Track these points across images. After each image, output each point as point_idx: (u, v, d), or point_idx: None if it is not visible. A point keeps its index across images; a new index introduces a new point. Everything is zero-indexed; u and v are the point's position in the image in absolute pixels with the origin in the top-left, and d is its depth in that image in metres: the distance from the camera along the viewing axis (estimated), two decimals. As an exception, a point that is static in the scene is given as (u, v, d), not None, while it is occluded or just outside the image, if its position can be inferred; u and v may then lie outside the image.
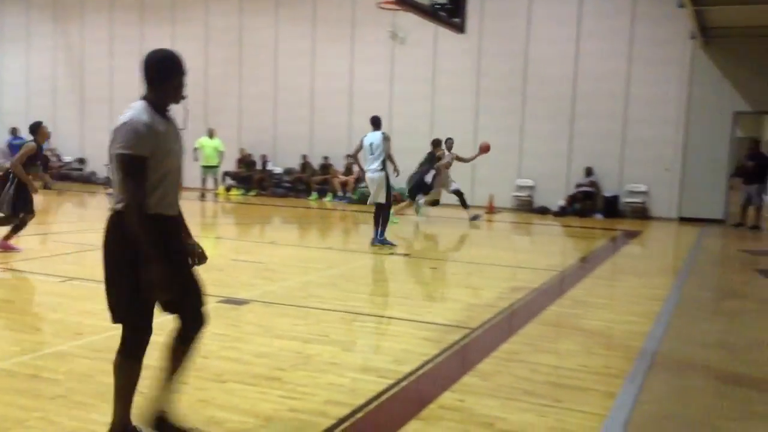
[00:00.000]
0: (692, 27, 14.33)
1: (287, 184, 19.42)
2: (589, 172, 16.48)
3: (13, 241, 8.82)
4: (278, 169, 19.71)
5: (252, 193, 19.19)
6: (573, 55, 16.38)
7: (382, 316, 6.36)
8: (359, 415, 3.80)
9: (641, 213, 15.89)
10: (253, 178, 19.44)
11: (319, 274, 8.19)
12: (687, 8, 12.53)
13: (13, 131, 19.50)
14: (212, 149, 17.61)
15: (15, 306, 6.34)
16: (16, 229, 8.76)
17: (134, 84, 20.30)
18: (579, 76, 16.35)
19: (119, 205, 3.13)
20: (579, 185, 16.48)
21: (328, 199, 18.41)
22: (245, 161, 19.87)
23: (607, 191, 16.32)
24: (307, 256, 9.90)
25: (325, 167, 19.01)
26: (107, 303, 3.28)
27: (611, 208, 16.12)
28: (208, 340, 5.17)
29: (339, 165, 18.87)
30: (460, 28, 10.81)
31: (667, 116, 15.69)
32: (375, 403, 3.99)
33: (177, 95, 3.34)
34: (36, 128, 8.74)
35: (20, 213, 8.62)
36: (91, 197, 18.94)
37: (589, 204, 16.42)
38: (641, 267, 10.19)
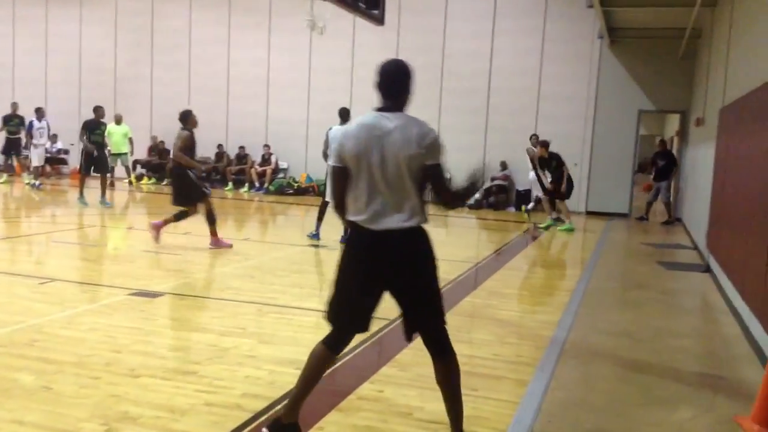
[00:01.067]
0: (600, 27, 14.88)
1: (202, 174, 18.96)
2: (503, 165, 16.90)
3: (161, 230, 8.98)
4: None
5: (165, 182, 18.66)
6: (488, 52, 16.74)
7: (301, 308, 6.33)
8: (277, 407, 3.78)
9: (552, 207, 16.41)
10: (165, 167, 18.90)
11: (236, 265, 8.07)
12: (595, 8, 13.00)
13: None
14: (120, 136, 16.94)
15: None
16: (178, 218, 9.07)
17: (37, 67, 19.48)
18: (494, 72, 16.72)
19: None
20: (494, 179, 16.87)
21: (244, 190, 18.14)
22: (157, 149, 19.30)
23: (520, 185, 16.78)
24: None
25: (242, 157, 18.71)
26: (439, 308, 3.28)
27: (524, 201, 16.58)
28: (120, 334, 5.04)
29: (256, 155, 18.62)
30: (379, 20, 10.85)
31: (577, 113, 16.26)
32: (293, 396, 3.97)
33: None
34: (187, 116, 9.21)
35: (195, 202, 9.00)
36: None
37: (503, 197, 16.85)
38: (552, 259, 10.56)
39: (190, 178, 8.96)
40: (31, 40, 20.85)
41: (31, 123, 16.43)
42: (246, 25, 18.73)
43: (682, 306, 7.34)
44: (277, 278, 7.68)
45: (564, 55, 16.40)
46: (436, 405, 3.88)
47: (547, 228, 12.97)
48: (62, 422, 3.45)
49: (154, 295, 6.32)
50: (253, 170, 18.36)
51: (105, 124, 14.14)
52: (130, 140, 17.18)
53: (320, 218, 9.91)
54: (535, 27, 16.51)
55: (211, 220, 9.05)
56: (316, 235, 9.95)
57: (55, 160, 20.18)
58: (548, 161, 12.91)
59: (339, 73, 17.96)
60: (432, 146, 3.12)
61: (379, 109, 3.21)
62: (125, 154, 17.17)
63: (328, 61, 18.06)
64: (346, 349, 4.87)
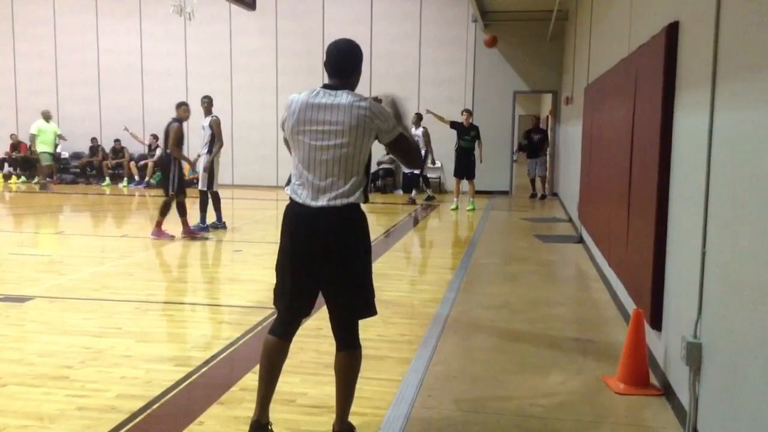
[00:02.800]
0: (473, 10, 15.28)
1: (76, 170, 18.06)
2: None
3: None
4: (65, 154, 18.25)
5: (35, 180, 17.61)
6: (368, 36, 16.82)
7: (182, 303, 6.16)
8: (155, 406, 3.68)
9: (437, 188, 16.78)
10: (35, 164, 17.83)
11: (113, 263, 7.75)
12: (468, -8, 13.36)
13: None
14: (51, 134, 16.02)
15: None
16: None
17: None
18: (373, 57, 16.82)
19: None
20: (380, 163, 17.02)
21: (123, 185, 17.41)
22: (24, 146, 18.17)
23: (406, 168, 17.00)
24: (100, 245, 9.33)
25: (118, 150, 17.91)
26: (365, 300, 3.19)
27: (410, 184, 16.84)
28: (-18, 343, 4.72)
29: (134, 148, 17.88)
30: (250, 6, 10.64)
31: (456, 96, 16.65)
32: (171, 393, 3.88)
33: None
34: (177, 107, 9.44)
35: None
36: None
37: (390, 181, 17.05)
38: (437, 239, 10.81)
39: (176, 171, 9.17)
40: None
41: None
42: (115, 11, 17.89)
43: (557, 276, 7.71)
44: (158, 274, 7.44)
45: (441, 38, 16.74)
46: (318, 389, 3.90)
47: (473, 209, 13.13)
48: None
49: (22, 299, 5.96)
50: (131, 164, 17.63)
51: None
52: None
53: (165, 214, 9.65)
54: (412, 11, 16.74)
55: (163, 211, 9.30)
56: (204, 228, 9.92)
57: None
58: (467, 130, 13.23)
59: (217, 59, 17.52)
60: (382, 123, 3.08)
61: (326, 86, 3.14)
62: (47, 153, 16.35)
63: (205, 48, 17.58)
64: (229, 341, 4.83)
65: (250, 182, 17.25)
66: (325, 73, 3.26)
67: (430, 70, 16.81)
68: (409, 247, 9.64)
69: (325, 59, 3.21)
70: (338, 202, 3.03)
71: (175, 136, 9.09)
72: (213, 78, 17.46)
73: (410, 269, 8.10)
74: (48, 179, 16.62)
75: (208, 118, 9.75)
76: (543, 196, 15.62)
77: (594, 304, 6.21)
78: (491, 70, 16.43)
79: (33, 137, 16.19)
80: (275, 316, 3.33)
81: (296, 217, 3.09)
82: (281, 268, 3.19)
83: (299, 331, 3.38)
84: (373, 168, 16.92)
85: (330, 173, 3.03)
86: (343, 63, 3.18)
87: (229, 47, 17.50)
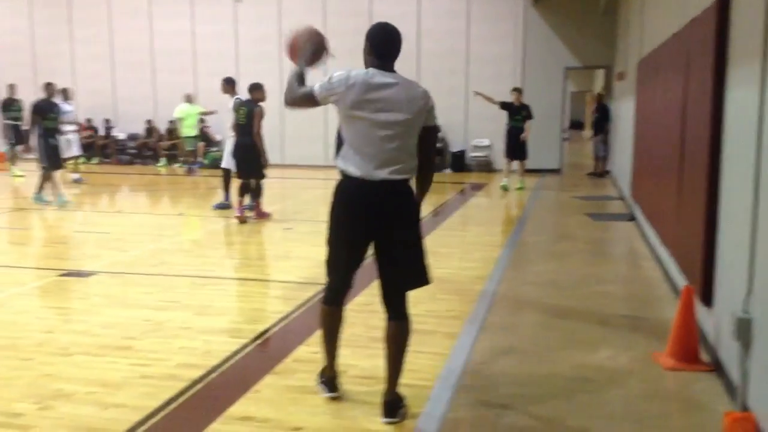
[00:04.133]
0: (524, -15, 15.06)
1: (133, 151, 18.55)
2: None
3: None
4: (122, 135, 18.76)
5: (94, 161, 18.17)
6: (415, 14, 16.74)
7: (236, 278, 6.36)
8: (213, 375, 3.85)
9: (486, 166, 16.70)
10: (95, 145, 18.39)
11: (170, 240, 8.01)
12: (519, -32, 13.17)
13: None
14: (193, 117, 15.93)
15: None
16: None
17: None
18: (422, 35, 16.76)
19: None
20: (427, 141, 17.00)
21: (178, 165, 17.82)
22: (83, 127, 18.71)
23: (455, 146, 16.99)
24: (158, 223, 9.63)
25: (173, 131, 18.32)
26: (423, 268, 3.32)
27: (459, 162, 16.84)
28: (52, 314, 5.00)
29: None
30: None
31: (505, 72, 16.47)
32: (229, 363, 4.04)
33: None
34: (252, 90, 9.14)
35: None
36: None
37: (439, 160, 17.04)
38: (485, 217, 10.80)
39: (262, 154, 9.08)
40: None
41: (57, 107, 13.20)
42: (167, -5, 18.23)
43: (607, 254, 7.66)
44: (212, 251, 7.67)
45: (490, 15, 16.55)
46: (368, 362, 4.01)
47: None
48: (-6, 404, 3.44)
49: (86, 274, 6.24)
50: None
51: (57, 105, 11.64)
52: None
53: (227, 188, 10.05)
54: (461, -12, 16.60)
55: (258, 193, 9.33)
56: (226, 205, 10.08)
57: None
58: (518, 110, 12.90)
59: (266, 41, 17.69)
60: (432, 109, 3.31)
61: (379, 67, 3.26)
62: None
63: (254, 30, 17.77)
64: (281, 315, 4.98)
65: (299, 162, 17.46)
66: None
67: (479, 47, 16.65)
68: (458, 225, 9.67)
69: (372, 42, 3.29)
70: (397, 176, 3.19)
71: (260, 121, 8.96)
72: (262, 59, 17.64)
73: (458, 247, 8.13)
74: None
75: (234, 100, 9.69)
76: (600, 174, 15.44)
77: (644, 282, 6.17)
78: (542, 47, 16.19)
79: (179, 122, 15.85)
80: (327, 287, 3.46)
81: (355, 191, 3.22)
82: (337, 241, 3.35)
83: (349, 307, 3.51)
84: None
85: (389, 149, 3.18)
86: (395, 46, 3.31)
87: (278, 28, 17.65)
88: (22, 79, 19.14)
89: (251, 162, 9.05)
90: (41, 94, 14.55)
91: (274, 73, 17.51)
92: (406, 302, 3.36)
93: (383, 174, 3.17)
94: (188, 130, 15.64)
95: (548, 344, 4.44)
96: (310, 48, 3.43)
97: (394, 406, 3.32)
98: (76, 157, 14.38)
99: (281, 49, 16.19)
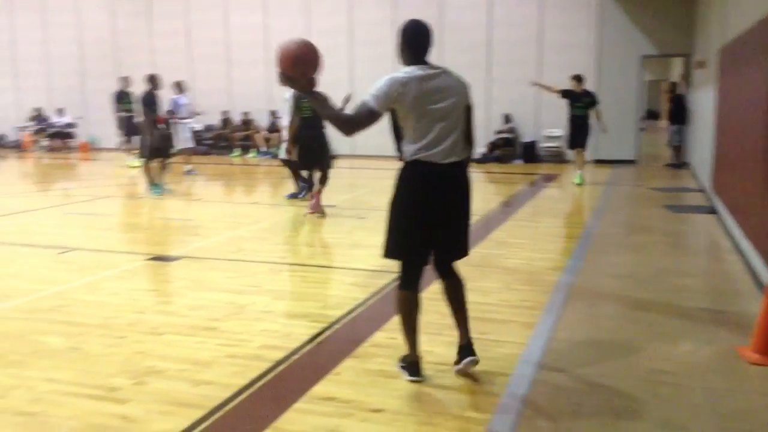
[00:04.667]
0: (599, -28, 14.73)
1: (208, 141, 19.09)
2: (507, 119, 16.90)
3: None
4: (198, 126, 19.31)
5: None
6: (486, 2, 16.60)
7: (312, 265, 6.50)
8: (295, 357, 3.98)
9: (558, 157, 16.46)
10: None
11: (248, 228, 8.25)
12: (595, -46, 12.89)
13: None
14: None
15: (-67, 275, 6.17)
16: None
17: (37, 42, 19.19)
18: (494, 23, 16.61)
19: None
20: (498, 132, 16.89)
21: (252, 155, 18.25)
22: (161, 120, 19.36)
23: (526, 137, 16.80)
24: (235, 211, 9.92)
25: (247, 123, 18.78)
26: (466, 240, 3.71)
27: (530, 153, 16.65)
28: (142, 296, 5.24)
29: (261, 120, 18.65)
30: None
31: (579, 61, 16.14)
32: (309, 346, 4.17)
33: None
34: None
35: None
36: (1, 161, 18.15)
37: (509, 150, 16.90)
38: (559, 208, 10.67)
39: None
40: (27, 15, 20.82)
41: (174, 100, 13.84)
42: (242, -12, 18.65)
43: (687, 247, 7.47)
44: (288, 238, 7.86)
45: (564, 2, 16.26)
46: (444, 348, 4.06)
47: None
48: (93, 378, 3.65)
49: (171, 259, 6.51)
50: (258, 135, 18.44)
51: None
52: None
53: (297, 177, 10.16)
54: (534, -25, 16.37)
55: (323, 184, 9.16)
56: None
57: (64, 135, 20.32)
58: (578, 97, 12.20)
59: (338, 33, 17.88)
60: (469, 89, 3.69)
61: (424, 63, 3.53)
62: None
63: (325, 22, 17.98)
64: (358, 302, 5.09)
65: (370, 152, 17.61)
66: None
67: (552, 34, 16.39)
68: (529, 216, 9.59)
69: (407, 38, 3.56)
70: (458, 158, 3.54)
71: None
72: (335, 51, 17.84)
73: (530, 237, 8.08)
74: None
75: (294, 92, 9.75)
76: (679, 165, 15.00)
77: (727, 276, 6.00)
78: (617, 34, 15.81)
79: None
80: (402, 273, 3.57)
81: (428, 175, 3.48)
82: (412, 224, 3.51)
83: (423, 294, 3.60)
84: (491, 137, 16.83)
85: (450, 135, 3.50)
86: (428, 41, 3.60)
87: (349, 20, 17.81)
88: (104, 71, 19.99)
89: (317, 153, 8.98)
90: (121, 86, 15.22)
91: (343, 65, 17.71)
92: (455, 265, 3.73)
93: (449, 158, 3.48)
94: None
95: (628, 336, 4.39)
96: (300, 72, 3.55)
97: (471, 346, 3.66)
98: (191, 149, 14.50)
99: (352, 40, 16.39)
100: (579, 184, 12.12)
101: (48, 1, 20.60)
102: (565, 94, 12.33)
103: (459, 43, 16.77)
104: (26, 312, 4.84)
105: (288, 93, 9.73)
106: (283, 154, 10.11)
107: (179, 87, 13.92)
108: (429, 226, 3.50)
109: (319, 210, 8.83)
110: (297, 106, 8.92)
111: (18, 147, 20.61)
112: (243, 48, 18.79)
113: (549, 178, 13.70)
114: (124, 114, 14.91)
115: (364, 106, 3.44)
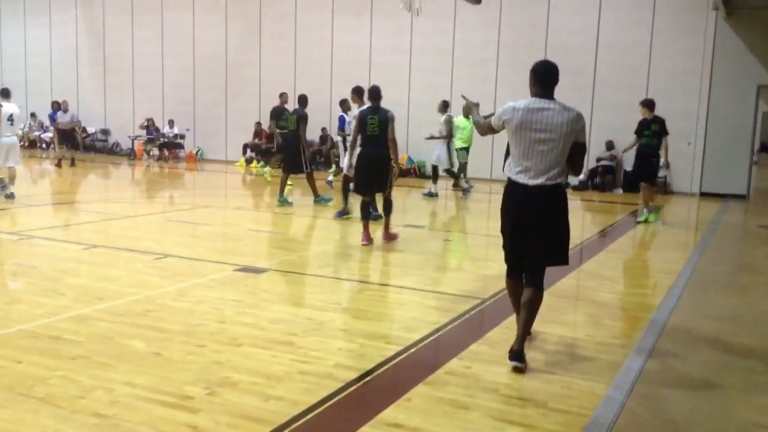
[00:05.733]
0: (716, -2, 14.09)
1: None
2: (609, 145, 16.36)
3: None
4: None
5: (273, 165, 19.28)
6: (594, 26, 16.19)
7: (394, 286, 6.45)
8: (367, 379, 3.92)
9: (662, 187, 15.76)
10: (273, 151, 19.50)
11: (335, 244, 8.30)
12: (711, -21, 12.33)
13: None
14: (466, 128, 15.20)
15: (39, 272, 6.54)
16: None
17: (155, 55, 20.26)
18: (600, 47, 16.16)
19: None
20: (599, 159, 16.38)
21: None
22: (266, 134, 19.96)
23: (628, 165, 16.18)
24: (325, 226, 10.03)
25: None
26: (564, 251, 4.36)
27: (632, 182, 16.01)
28: (226, 306, 5.34)
29: (359, 137, 18.88)
30: (476, 0, 10.72)
31: (690, 89, 15.49)
32: (383, 368, 4.11)
33: None
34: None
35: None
36: (115, 168, 19.20)
37: (610, 178, 16.34)
38: (659, 241, 10.17)
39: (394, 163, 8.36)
40: (148, 29, 22.05)
41: (341, 118, 13.62)
42: (348, 8, 19.00)
43: (798, 291, 6.92)
44: (373, 257, 7.85)
45: (676, 28, 15.63)
46: (524, 382, 3.91)
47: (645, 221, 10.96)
48: (169, 385, 3.73)
49: (258, 271, 6.62)
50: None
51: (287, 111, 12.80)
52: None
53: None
54: (644, -1, 15.84)
55: (388, 210, 8.54)
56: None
57: (173, 145, 21.31)
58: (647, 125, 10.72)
59: (440, 53, 17.91)
60: (582, 129, 4.20)
61: (540, 96, 4.21)
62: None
63: (428, 42, 18.06)
64: (437, 326, 4.99)
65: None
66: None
67: (662, 60, 15.77)
68: (627, 248, 9.19)
69: (535, 76, 4.26)
70: (550, 182, 4.16)
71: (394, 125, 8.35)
72: (435, 71, 17.90)
73: (626, 271, 7.73)
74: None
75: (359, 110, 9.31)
76: None
77: (842, 326, 5.50)
78: (733, 62, 15.04)
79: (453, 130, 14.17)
80: (506, 264, 4.48)
81: (519, 195, 4.23)
82: (504, 230, 4.37)
83: (505, 323, 3.45)
84: (592, 164, 16.34)
85: (544, 161, 4.14)
86: (553, 79, 4.28)
87: (452, 41, 17.81)
88: (215, 85, 20.86)
89: (380, 175, 8.24)
90: (231, 101, 15.84)
91: (446, 84, 17.70)
92: (542, 276, 4.27)
93: (539, 180, 4.15)
94: (459, 142, 14.21)
95: (723, 383, 4.08)
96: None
97: (522, 353, 4.11)
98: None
99: (455, 61, 16.31)
100: (645, 222, 10.90)
101: (168, 17, 21.74)
102: (638, 128, 10.94)
103: (563, 66, 16.35)
104: (117, 315, 5.03)
105: (356, 110, 9.39)
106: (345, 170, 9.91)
107: (343, 106, 13.55)
108: (515, 235, 4.28)
109: (393, 239, 8.47)
110: (361, 124, 8.34)
111: (130, 155, 21.79)
112: (346, 66, 19.13)
113: (650, 210, 13.09)
114: (278, 131, 14.78)
115: (491, 121, 4.40)
